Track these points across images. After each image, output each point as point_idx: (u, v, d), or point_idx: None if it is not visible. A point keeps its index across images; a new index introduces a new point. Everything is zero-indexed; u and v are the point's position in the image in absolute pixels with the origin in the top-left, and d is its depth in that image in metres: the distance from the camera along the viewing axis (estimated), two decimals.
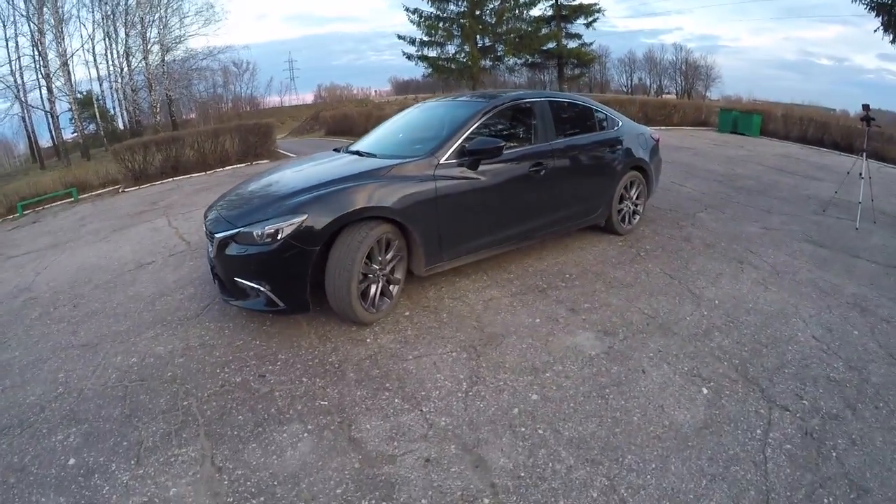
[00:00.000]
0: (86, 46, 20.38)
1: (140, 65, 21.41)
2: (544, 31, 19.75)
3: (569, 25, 20.29)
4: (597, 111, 4.50)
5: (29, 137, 19.20)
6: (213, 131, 12.31)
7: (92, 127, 22.46)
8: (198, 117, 25.96)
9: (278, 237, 2.60)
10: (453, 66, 19.75)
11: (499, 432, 2.20)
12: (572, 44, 20.25)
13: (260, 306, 2.75)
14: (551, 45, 20.07)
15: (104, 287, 4.17)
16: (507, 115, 4.01)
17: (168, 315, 3.42)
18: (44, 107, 18.30)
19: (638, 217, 4.82)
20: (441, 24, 19.49)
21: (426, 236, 3.04)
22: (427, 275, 3.23)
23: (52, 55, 18.65)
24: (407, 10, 19.57)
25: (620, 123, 4.63)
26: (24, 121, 18.63)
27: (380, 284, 2.96)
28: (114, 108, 23.53)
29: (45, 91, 18.18)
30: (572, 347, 2.86)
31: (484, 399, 2.41)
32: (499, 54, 19.26)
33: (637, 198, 4.74)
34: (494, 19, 18.67)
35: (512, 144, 3.67)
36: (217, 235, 2.82)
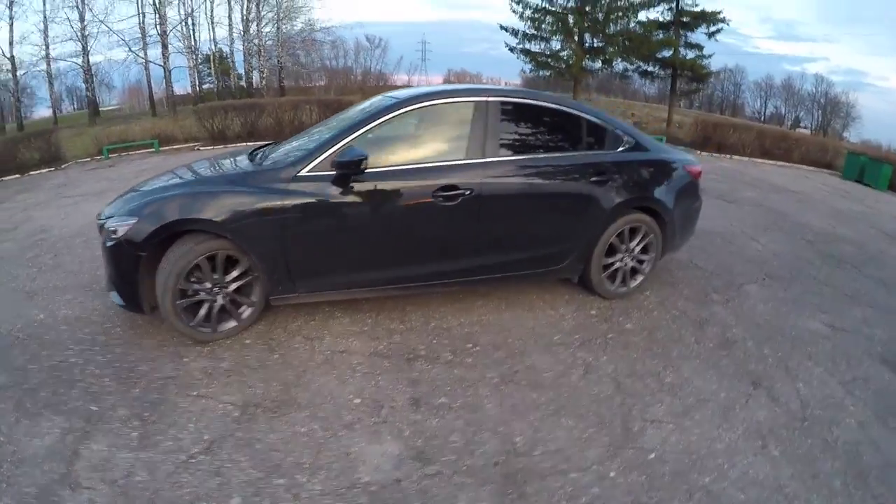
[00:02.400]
0: (205, 9, 22.40)
1: (255, 31, 22.72)
2: (659, 36, 17.18)
3: (689, 34, 17.48)
4: (591, 123, 3.14)
5: (149, 87, 21.76)
6: (293, 103, 12.42)
7: (209, 84, 25.09)
8: (326, 86, 27.15)
9: (116, 236, 2.47)
10: (555, 64, 18.07)
11: None
12: (691, 54, 17.41)
13: (116, 300, 2.64)
14: (666, 52, 17.44)
15: (89, 244, 4.25)
16: (425, 119, 2.96)
17: (96, 283, 3.42)
18: (162, 62, 20.59)
19: (641, 278, 3.36)
20: (547, 18, 17.63)
21: (268, 261, 2.55)
22: (278, 304, 2.74)
23: (171, 13, 20.73)
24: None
25: (628, 144, 3.18)
26: (147, 72, 21.12)
27: (216, 304, 2.60)
28: (239, 68, 25.44)
29: (160, 48, 20.42)
30: (350, 460, 1.96)
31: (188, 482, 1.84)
32: (608, 57, 17.27)
33: (643, 251, 3.26)
34: (602, 16, 16.59)
35: (413, 159, 2.79)
36: (98, 221, 2.70)
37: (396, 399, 2.28)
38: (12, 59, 19.48)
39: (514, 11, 18.01)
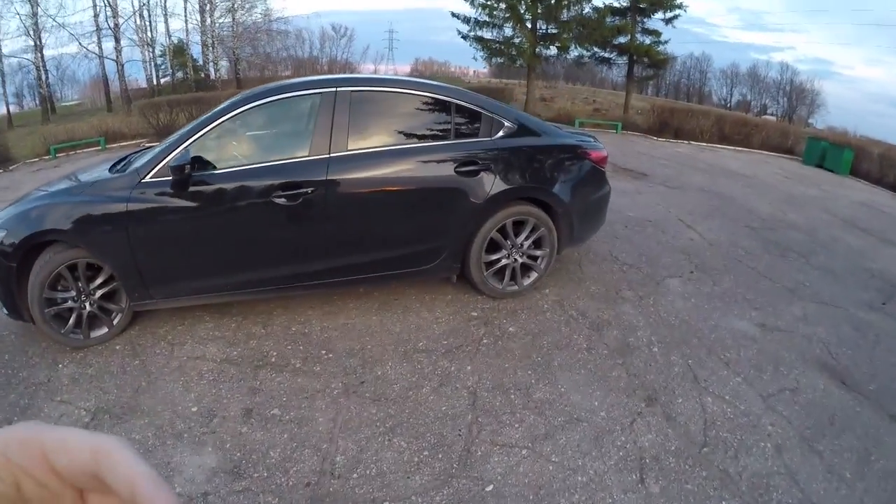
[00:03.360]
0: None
1: (209, 22, 22.66)
2: (614, 21, 17.18)
3: (645, 20, 17.44)
4: (462, 108, 2.94)
5: (105, 82, 21.36)
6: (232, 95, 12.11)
7: (168, 77, 24.59)
8: (290, 76, 27.27)
9: None
10: (508, 52, 17.69)
11: None
12: (648, 41, 17.47)
13: (1, 308, 2.69)
14: (623, 39, 17.49)
15: None
16: (273, 116, 2.92)
17: None
18: (113, 56, 20.30)
19: (535, 275, 3.19)
20: (499, 4, 17.28)
21: (120, 269, 2.60)
22: (141, 310, 2.78)
23: (123, 4, 20.73)
24: None
25: (508, 130, 2.97)
26: (102, 67, 20.83)
27: (85, 311, 2.67)
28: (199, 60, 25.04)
29: (112, 41, 20.05)
30: (169, 469, 1.96)
31: None
32: (562, 44, 17.27)
33: (535, 246, 3.07)
34: (555, 2, 16.55)
35: (256, 159, 2.76)
36: None
37: (230, 409, 2.25)
38: None
39: None
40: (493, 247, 3.02)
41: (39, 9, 18.83)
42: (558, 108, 17.20)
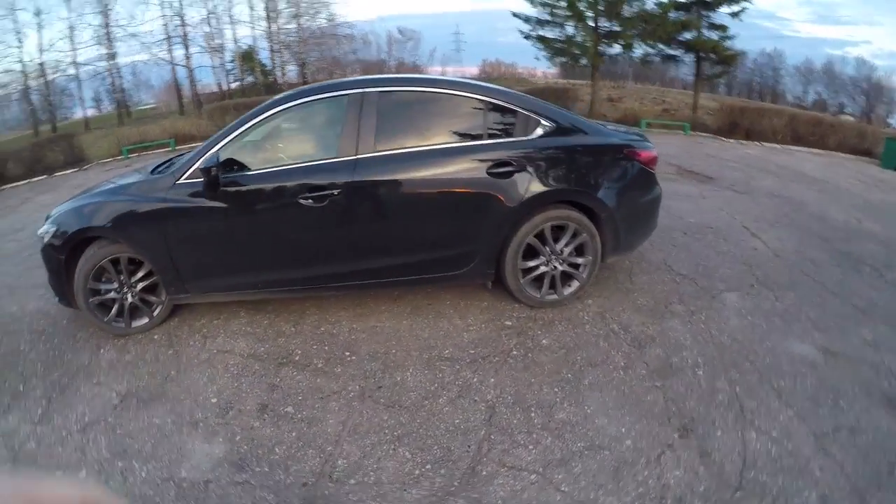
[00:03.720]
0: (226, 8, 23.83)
1: (275, 28, 24.34)
2: (678, 16, 16.23)
3: (711, 14, 16.37)
4: (495, 106, 2.84)
5: (176, 87, 24.03)
6: None
7: (239, 81, 26.62)
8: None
9: (43, 241, 2.88)
10: (571, 51, 17.14)
11: None
12: (714, 36, 16.39)
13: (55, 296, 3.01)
14: (688, 35, 16.46)
15: None
16: (303, 119, 2.96)
17: None
18: (183, 62, 23.01)
19: (577, 285, 2.99)
20: (559, 2, 16.77)
21: (158, 264, 2.80)
22: (179, 303, 2.98)
23: (191, 13, 22.53)
24: None
25: (546, 128, 2.82)
26: (173, 72, 23.49)
27: (127, 302, 2.90)
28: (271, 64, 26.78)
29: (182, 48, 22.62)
30: (181, 455, 2.07)
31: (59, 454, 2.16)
32: (625, 41, 16.49)
33: (578, 254, 2.90)
34: None
35: (284, 161, 2.82)
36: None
37: (247, 403, 2.31)
38: (41, 65, 21.84)
39: None
40: (531, 253, 2.88)
41: (111, 20, 21.20)
42: (625, 108, 16.60)
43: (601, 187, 2.86)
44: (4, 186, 10.64)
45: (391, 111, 2.74)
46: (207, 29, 23.29)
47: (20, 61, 21.41)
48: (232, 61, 25.83)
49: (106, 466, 2.02)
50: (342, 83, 2.91)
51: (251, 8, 24.34)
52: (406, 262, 2.79)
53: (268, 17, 24.27)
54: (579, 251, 2.92)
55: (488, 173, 2.70)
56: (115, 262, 2.82)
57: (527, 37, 18.15)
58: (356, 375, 2.44)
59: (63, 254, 2.81)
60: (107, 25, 21.40)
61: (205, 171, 2.53)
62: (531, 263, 2.88)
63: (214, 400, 2.33)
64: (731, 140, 11.73)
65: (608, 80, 21.14)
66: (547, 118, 2.85)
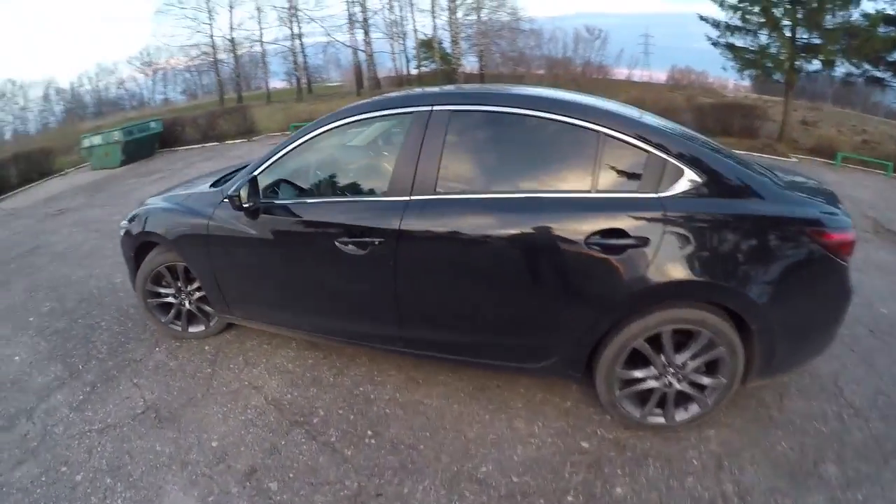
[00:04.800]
0: None
1: (453, 19, 27.85)
2: (888, 32, 14.52)
3: None
4: (618, 142, 2.28)
5: (357, 70, 29.02)
6: None
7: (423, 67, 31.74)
8: (542, 76, 30.92)
9: (121, 234, 3.44)
10: (763, 62, 16.62)
11: None
12: None
13: None
14: None
15: None
16: (358, 139, 2.95)
17: None
18: (363, 47, 28.19)
19: (697, 410, 2.45)
20: (753, 7, 16.57)
21: (203, 280, 3.13)
22: (226, 320, 3.32)
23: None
24: None
25: (692, 183, 2.22)
26: (354, 55, 28.93)
27: (184, 308, 3.35)
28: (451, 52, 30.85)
29: (361, 34, 27.92)
30: (157, 495, 2.29)
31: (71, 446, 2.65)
32: (826, 57, 15.39)
33: (708, 372, 2.39)
34: (817, 5, 14.68)
35: (329, 191, 2.81)
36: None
37: (240, 460, 2.40)
38: (231, 40, 29.34)
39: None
40: (637, 358, 2.38)
41: (295, 2, 27.68)
42: (819, 134, 15.75)
43: (760, 283, 2.19)
44: (178, 148, 13.37)
45: (464, 138, 2.46)
46: (389, 16, 28.45)
47: (210, 36, 28.98)
48: (415, 48, 30.46)
49: (96, 479, 2.35)
50: (407, 97, 2.70)
51: None
52: (459, 341, 2.56)
53: (449, 7, 27.98)
54: (710, 368, 2.35)
55: (588, 244, 2.19)
56: (171, 268, 3.23)
57: (714, 44, 18.24)
58: (362, 468, 2.34)
59: (132, 251, 3.34)
60: (291, 7, 27.95)
61: (231, 198, 2.63)
62: (636, 374, 2.40)
63: (215, 444, 2.49)
64: None
65: (803, 99, 21.36)
66: (698, 167, 2.22)
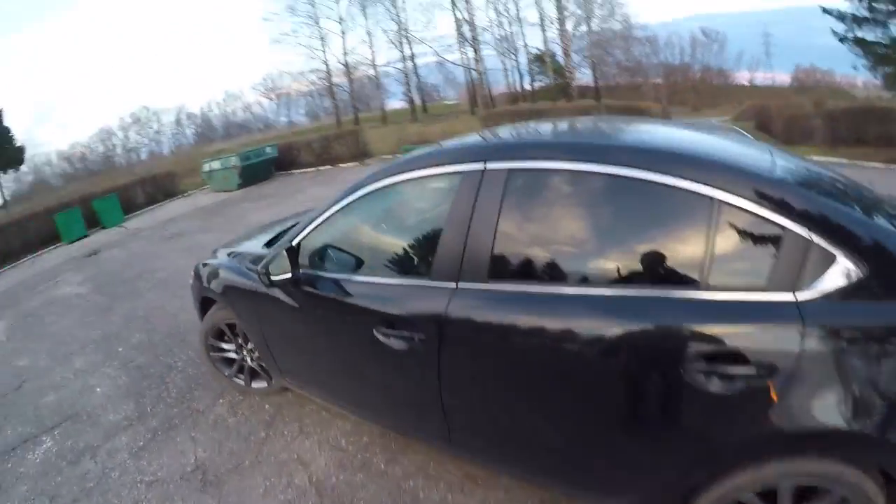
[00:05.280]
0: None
1: (563, 30, 29.46)
2: None
3: None
4: (742, 212, 1.65)
5: (470, 88, 31.76)
6: (579, 108, 15.07)
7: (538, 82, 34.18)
8: (659, 85, 32.58)
9: (191, 281, 3.71)
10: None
11: None
12: None
13: None
14: None
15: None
16: (402, 203, 2.59)
17: None
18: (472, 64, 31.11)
19: None
20: None
21: (256, 342, 3.17)
22: (284, 385, 3.29)
23: (481, 17, 30.32)
24: None
25: (838, 275, 1.54)
26: (468, 74, 31.67)
27: (246, 365, 3.44)
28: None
29: (471, 51, 30.48)
30: None
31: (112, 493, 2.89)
32: None
33: None
34: None
35: (371, 267, 2.47)
36: None
37: None
38: (345, 65, 33.46)
39: None
40: None
41: (404, 25, 31.37)
42: None
43: None
44: (294, 171, 14.44)
45: (523, 208, 2.02)
46: (499, 32, 30.58)
47: (325, 62, 33.23)
48: (529, 63, 32.37)
49: None
50: (455, 150, 2.30)
51: (540, 11, 30.26)
52: (515, 459, 2.23)
53: (560, 20, 29.56)
54: None
55: (687, 369, 1.64)
56: (231, 325, 3.34)
57: (842, 39, 17.96)
58: None
59: (198, 301, 3.58)
60: (400, 30, 31.72)
61: (260, 275, 2.65)
62: None
63: None
64: None
65: None
66: (859, 250, 1.55)
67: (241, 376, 3.46)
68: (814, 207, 1.64)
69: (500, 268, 1.98)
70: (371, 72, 33.93)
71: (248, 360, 3.40)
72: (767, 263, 1.62)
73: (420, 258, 2.31)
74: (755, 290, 1.61)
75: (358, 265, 2.46)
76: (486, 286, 1.97)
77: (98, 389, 3.97)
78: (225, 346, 3.45)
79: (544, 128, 2.62)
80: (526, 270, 1.99)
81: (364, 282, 2.37)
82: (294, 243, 2.53)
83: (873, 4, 16.62)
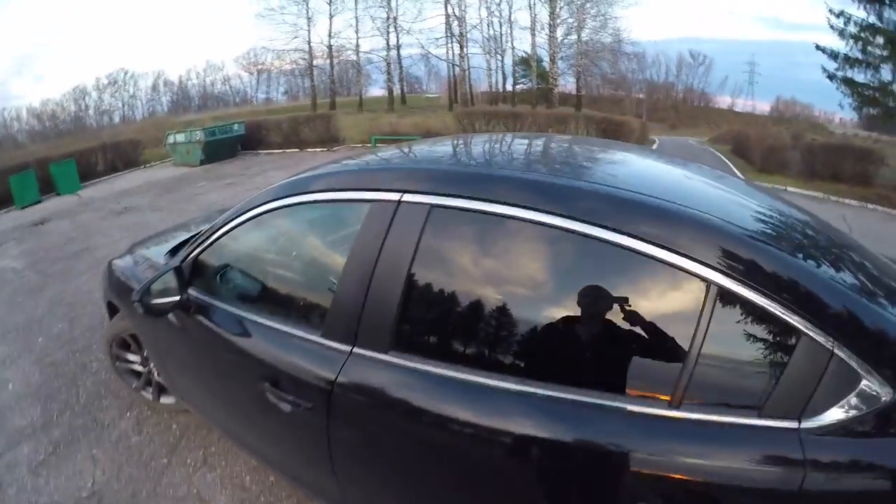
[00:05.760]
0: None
1: (556, 37, 29.87)
2: None
3: None
4: (745, 302, 1.22)
5: (450, 84, 31.38)
6: (558, 115, 15.55)
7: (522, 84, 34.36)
8: (640, 100, 33.66)
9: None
10: (884, 101, 17.12)
11: None
12: None
13: None
14: None
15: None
16: (301, 227, 2.27)
17: None
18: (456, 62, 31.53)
19: None
20: (875, 38, 17.04)
21: (153, 357, 2.93)
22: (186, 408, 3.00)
23: (472, 15, 31.19)
24: (830, 11, 17.63)
25: (866, 404, 1.13)
26: (450, 69, 31.71)
27: (153, 379, 3.15)
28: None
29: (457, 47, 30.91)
30: None
31: None
32: None
33: None
34: None
35: (263, 301, 2.11)
36: None
37: None
38: (329, 47, 32.97)
39: (832, 27, 17.88)
40: None
41: (393, 15, 31.10)
42: None
43: None
44: (259, 152, 14.11)
45: (450, 258, 1.60)
46: (489, 32, 30.99)
47: (308, 42, 32.68)
48: (514, 65, 32.66)
49: None
50: (368, 170, 1.91)
51: (533, 16, 30.64)
52: None
53: (550, 27, 29.94)
54: None
55: None
56: (135, 336, 3.02)
57: (830, 77, 18.39)
58: None
59: (105, 302, 3.32)
60: (389, 20, 31.45)
61: (135, 301, 2.13)
62: None
63: None
64: None
65: None
66: (887, 363, 1.14)
67: (150, 389, 3.21)
68: (842, 300, 1.21)
69: (406, 336, 1.59)
70: (354, 57, 33.99)
71: (155, 374, 3.12)
72: (774, 376, 1.21)
73: (313, 307, 1.92)
74: (749, 415, 1.21)
75: (249, 297, 2.10)
76: (388, 358, 1.56)
77: (10, 386, 3.70)
78: (130, 356, 3.19)
79: (495, 148, 2.20)
80: (441, 346, 1.60)
81: (253, 321, 1.95)
82: (183, 263, 2.23)
83: (867, 47, 17.31)
